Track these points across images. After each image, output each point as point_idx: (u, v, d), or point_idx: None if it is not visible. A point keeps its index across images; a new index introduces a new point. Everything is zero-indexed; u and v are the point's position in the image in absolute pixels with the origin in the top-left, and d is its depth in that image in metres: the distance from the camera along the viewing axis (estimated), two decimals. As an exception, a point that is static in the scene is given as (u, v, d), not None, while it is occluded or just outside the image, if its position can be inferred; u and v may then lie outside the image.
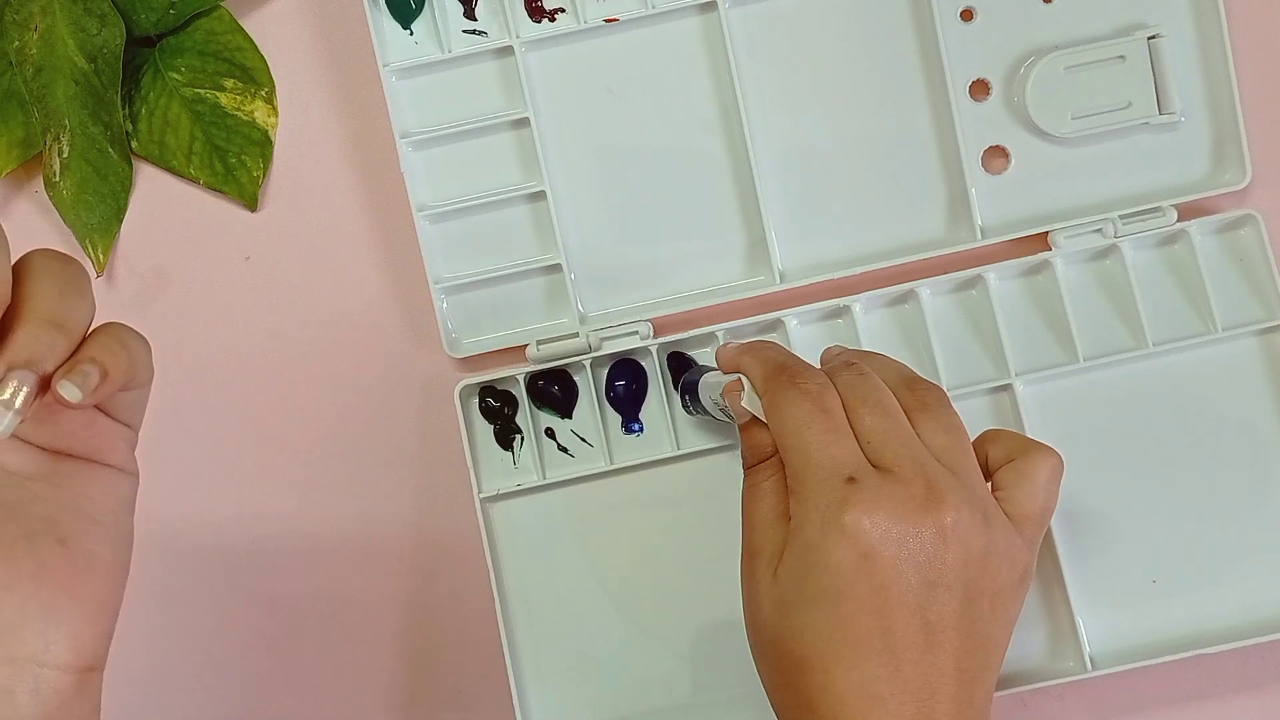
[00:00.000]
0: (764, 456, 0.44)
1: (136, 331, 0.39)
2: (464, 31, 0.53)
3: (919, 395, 0.44)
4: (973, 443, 0.44)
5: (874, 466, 0.41)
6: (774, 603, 0.42)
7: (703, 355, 0.54)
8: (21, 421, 0.34)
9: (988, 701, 0.42)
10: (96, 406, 0.38)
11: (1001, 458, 0.44)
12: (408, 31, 0.53)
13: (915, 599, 0.40)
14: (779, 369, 0.44)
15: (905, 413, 0.43)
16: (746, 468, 0.45)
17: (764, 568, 0.43)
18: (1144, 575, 0.52)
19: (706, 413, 0.50)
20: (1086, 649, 0.51)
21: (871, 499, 0.40)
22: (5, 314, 0.35)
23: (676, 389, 0.53)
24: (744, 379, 0.45)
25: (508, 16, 0.52)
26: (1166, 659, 0.51)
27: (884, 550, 0.40)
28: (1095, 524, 0.53)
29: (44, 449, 0.38)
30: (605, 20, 0.53)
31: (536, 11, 0.53)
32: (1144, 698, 0.53)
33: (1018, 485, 0.44)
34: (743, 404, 0.45)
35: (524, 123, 0.53)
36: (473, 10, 0.53)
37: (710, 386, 0.48)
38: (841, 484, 0.41)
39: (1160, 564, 0.52)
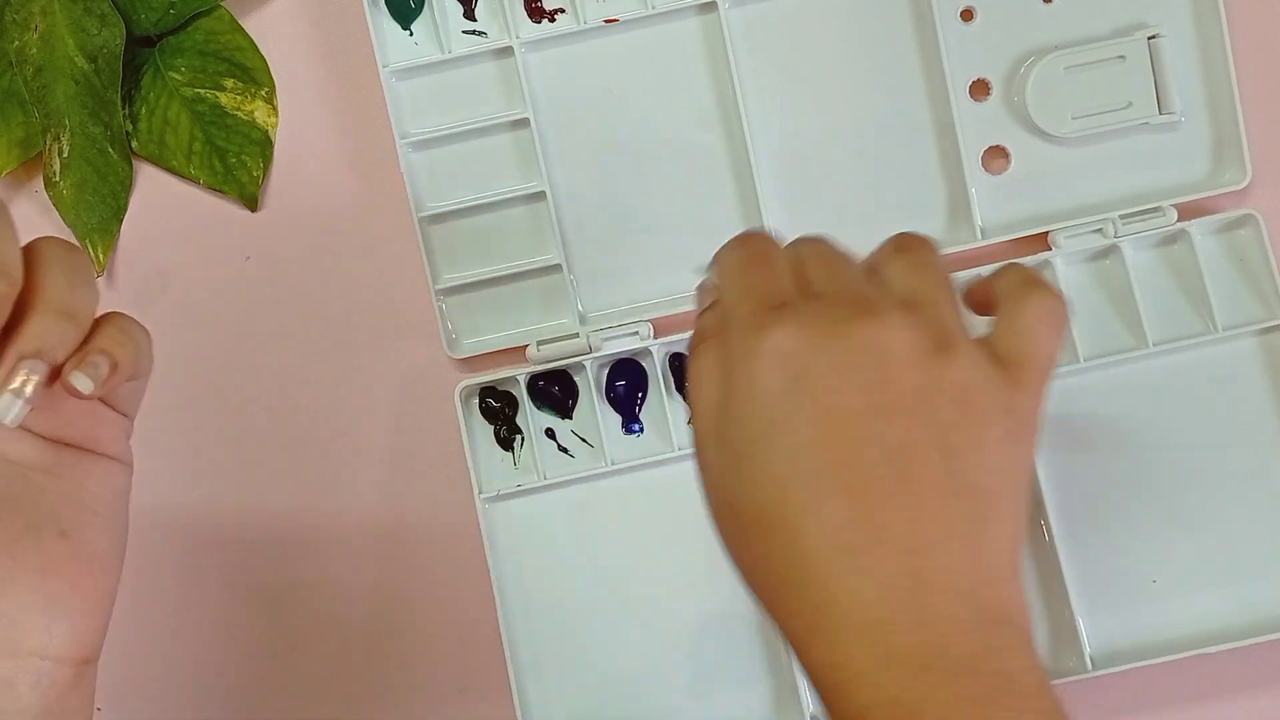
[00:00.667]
0: (706, 336, 0.39)
1: (138, 322, 0.39)
2: (464, 32, 0.53)
3: (896, 241, 0.40)
4: (985, 279, 0.40)
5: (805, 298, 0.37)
6: (723, 466, 0.37)
7: (703, 355, 0.54)
8: (30, 411, 0.34)
9: (1007, 569, 0.35)
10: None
11: (1000, 294, 0.39)
12: (407, 32, 0.53)
13: (867, 424, 0.35)
14: (733, 239, 0.40)
15: (874, 266, 0.39)
16: (695, 343, 0.39)
17: (711, 438, 0.37)
18: (1144, 575, 0.52)
19: None
20: (1086, 649, 0.51)
21: (796, 319, 0.35)
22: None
23: (679, 390, 0.53)
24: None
25: (507, 17, 0.52)
26: (1167, 659, 0.51)
27: (815, 366, 0.35)
28: (1095, 524, 0.53)
29: (46, 439, 0.38)
30: (605, 21, 0.53)
31: (536, 12, 0.53)
32: (1144, 697, 0.53)
33: (1004, 322, 0.38)
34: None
35: (524, 123, 0.53)
36: (472, 11, 0.53)
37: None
38: (767, 310, 0.36)
39: (1160, 564, 0.52)
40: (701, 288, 0.42)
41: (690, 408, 0.39)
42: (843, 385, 0.35)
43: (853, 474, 0.34)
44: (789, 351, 0.35)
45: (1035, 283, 0.39)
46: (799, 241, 0.40)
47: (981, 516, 0.35)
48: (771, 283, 0.37)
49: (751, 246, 0.39)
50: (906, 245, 0.39)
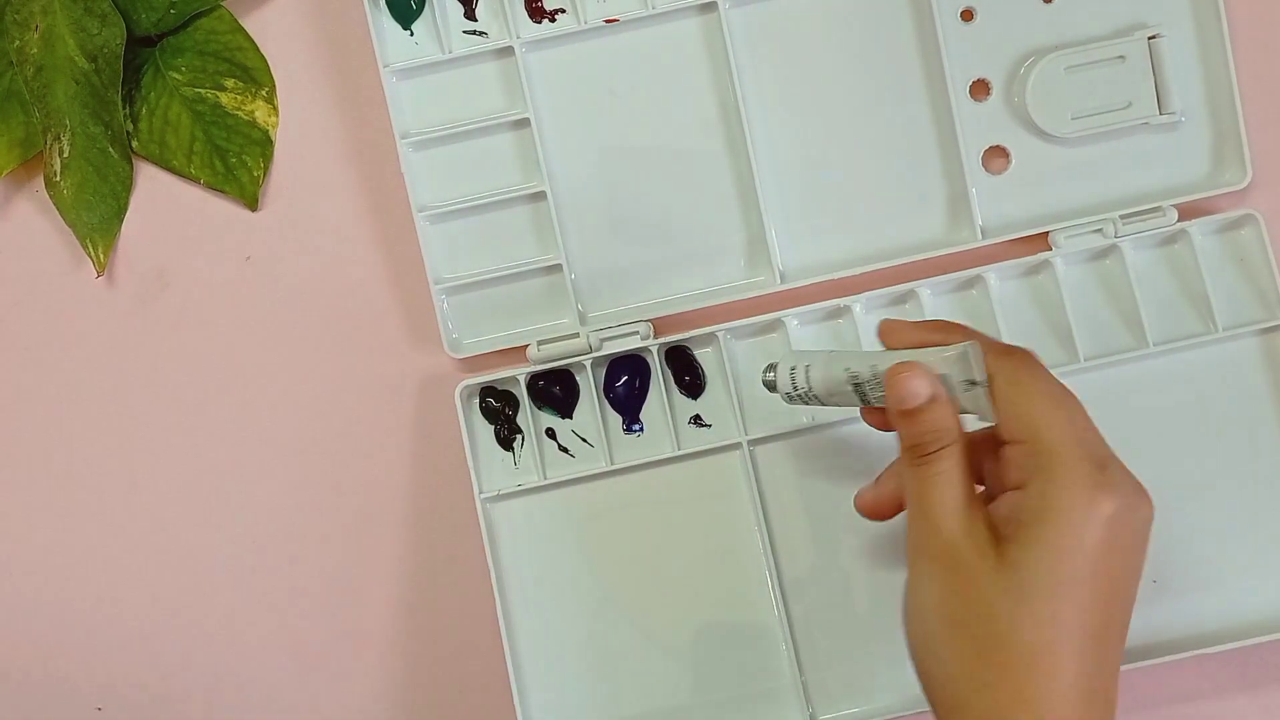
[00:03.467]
0: (948, 441, 0.42)
1: None
2: (464, 32, 0.53)
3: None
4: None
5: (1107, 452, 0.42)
6: (1004, 590, 0.40)
7: (704, 356, 0.54)
8: None
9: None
10: None
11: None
12: (408, 32, 0.53)
13: (1131, 592, 0.41)
14: (997, 344, 0.43)
15: None
16: (922, 454, 0.42)
17: (975, 556, 0.40)
18: (1145, 575, 0.52)
19: (808, 396, 0.46)
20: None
21: (1120, 487, 0.40)
22: None
23: (678, 385, 0.53)
24: (918, 361, 0.42)
25: (508, 17, 0.52)
26: (1167, 659, 0.51)
27: (1123, 541, 0.40)
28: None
29: None
30: (606, 21, 0.53)
31: (537, 12, 0.53)
32: (1144, 697, 0.54)
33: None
34: (937, 386, 0.42)
35: (524, 123, 0.53)
36: (473, 11, 0.53)
37: (849, 359, 0.44)
38: (1099, 470, 0.40)
39: (1160, 564, 0.52)
40: (905, 380, 0.42)
41: (921, 509, 0.42)
42: (1137, 558, 0.41)
43: (1111, 632, 0.40)
44: (1113, 520, 0.39)
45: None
46: (1042, 373, 0.43)
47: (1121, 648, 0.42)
48: (1090, 429, 0.41)
49: (1049, 377, 0.42)
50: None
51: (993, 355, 0.42)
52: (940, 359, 0.42)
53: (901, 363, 0.42)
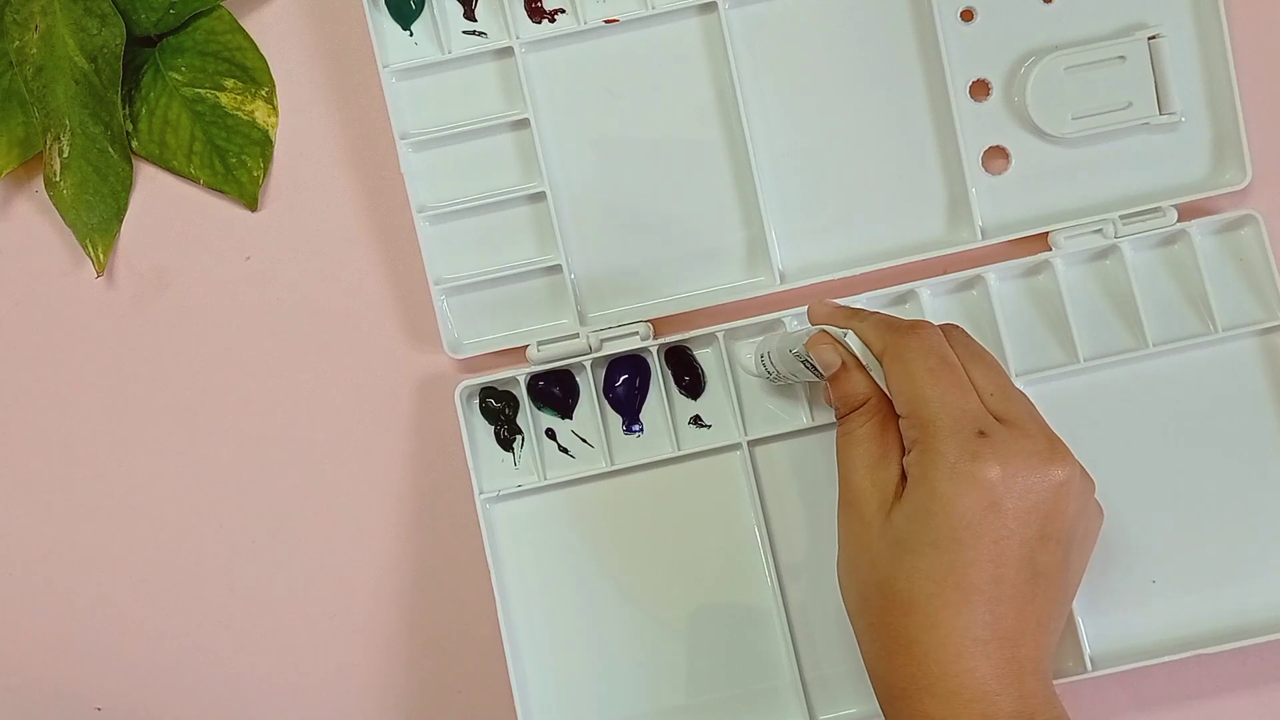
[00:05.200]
0: (857, 404, 0.45)
1: None
2: (464, 32, 0.53)
3: (968, 345, 0.46)
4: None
5: (996, 418, 0.43)
6: (887, 543, 0.43)
7: (703, 356, 0.54)
8: None
9: (1057, 643, 0.44)
10: None
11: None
12: (408, 32, 0.53)
13: (1030, 550, 0.42)
14: (893, 322, 0.45)
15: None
16: (840, 416, 0.46)
17: (873, 509, 0.44)
18: (1144, 575, 0.52)
19: (780, 375, 0.51)
20: (1086, 649, 0.51)
21: (1003, 452, 0.42)
22: None
23: (678, 386, 0.53)
24: (829, 331, 0.46)
25: (508, 17, 0.52)
26: (1166, 659, 0.51)
27: (1010, 502, 0.42)
28: (1095, 524, 0.53)
29: None
30: (605, 21, 0.53)
31: (536, 12, 0.53)
32: (1144, 697, 0.54)
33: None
34: (843, 354, 0.46)
35: (524, 123, 0.53)
36: (472, 11, 0.53)
37: (795, 339, 0.48)
38: (973, 436, 0.42)
39: (1160, 564, 0.52)
40: (819, 305, 0.48)
41: (840, 465, 0.46)
42: (1025, 518, 0.42)
43: (1002, 588, 0.42)
44: (990, 483, 0.42)
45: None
46: (949, 337, 0.46)
47: (1061, 611, 0.44)
48: (967, 400, 0.43)
49: (936, 351, 0.44)
50: (980, 355, 0.46)
51: (886, 331, 0.45)
52: (837, 334, 0.47)
53: (817, 333, 0.47)
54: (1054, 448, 0.43)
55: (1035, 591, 0.42)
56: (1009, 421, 0.43)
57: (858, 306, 0.49)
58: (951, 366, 0.44)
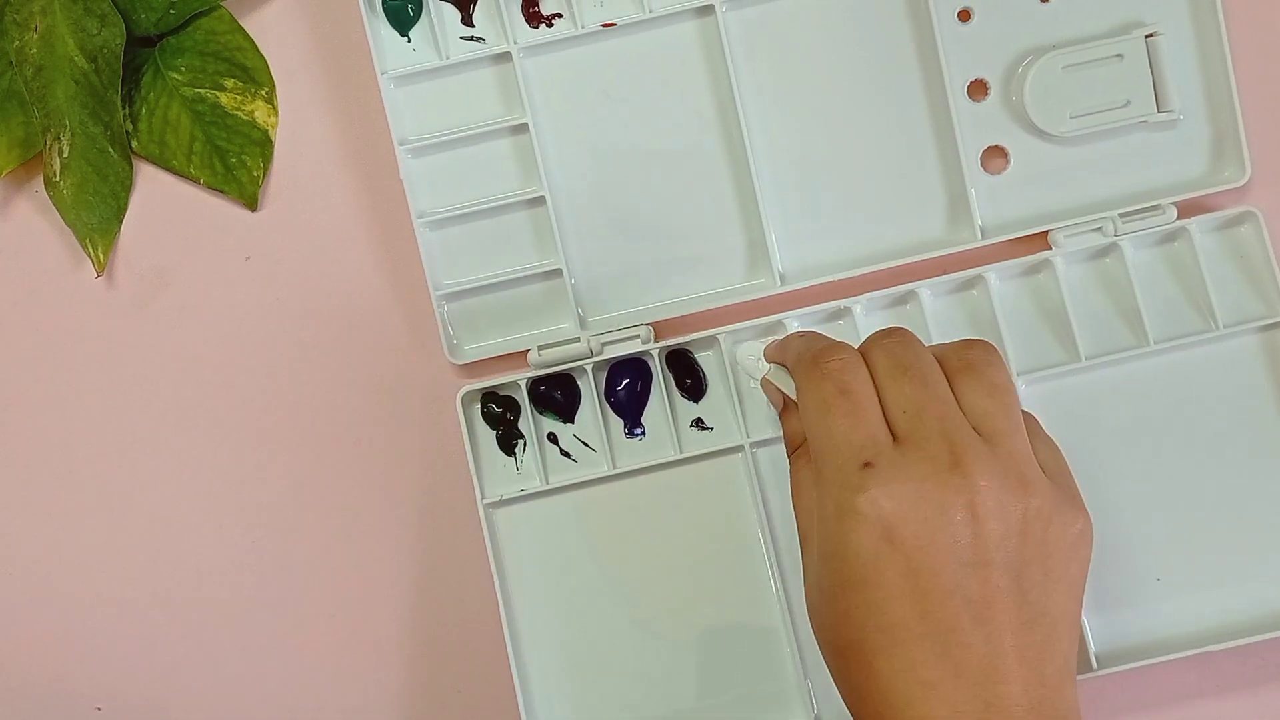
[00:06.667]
0: (798, 444, 0.44)
1: None
2: (462, 38, 0.53)
3: (963, 354, 0.42)
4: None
5: (897, 440, 0.40)
6: (816, 589, 0.41)
7: (704, 358, 0.54)
8: None
9: (1065, 675, 0.39)
10: None
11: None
12: (406, 39, 0.53)
13: (950, 580, 0.38)
14: (807, 354, 0.43)
15: (948, 376, 0.42)
16: (788, 456, 0.45)
17: (810, 554, 0.42)
18: (1148, 574, 0.52)
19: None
20: (1091, 647, 0.51)
21: (888, 480, 0.39)
22: None
23: (679, 389, 0.54)
24: (778, 367, 0.46)
25: (505, 23, 0.52)
26: (1171, 657, 0.51)
27: (906, 531, 0.38)
28: (1098, 523, 0.52)
29: None
30: (603, 25, 0.53)
31: (534, 17, 0.53)
32: (1148, 696, 0.53)
33: (1035, 440, 0.42)
34: (782, 395, 0.46)
35: (523, 128, 0.53)
36: (470, 17, 0.53)
37: (747, 365, 0.49)
38: (857, 470, 0.39)
39: (1164, 562, 0.52)
40: (769, 346, 0.48)
41: (796, 514, 0.44)
42: (929, 544, 0.38)
43: (933, 623, 0.38)
44: (877, 516, 0.39)
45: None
46: (878, 347, 0.42)
47: (1049, 638, 0.39)
48: (859, 430, 0.40)
49: (830, 378, 0.41)
50: (975, 363, 0.42)
51: (797, 367, 0.43)
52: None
53: (764, 378, 0.47)
54: (955, 465, 0.39)
55: (983, 621, 0.38)
56: (908, 440, 0.40)
57: (792, 334, 0.48)
58: (846, 394, 0.41)
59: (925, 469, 0.39)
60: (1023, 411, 0.43)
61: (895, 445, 0.40)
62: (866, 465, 0.39)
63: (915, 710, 0.38)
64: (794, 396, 0.45)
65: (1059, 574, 0.40)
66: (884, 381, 0.41)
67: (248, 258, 0.55)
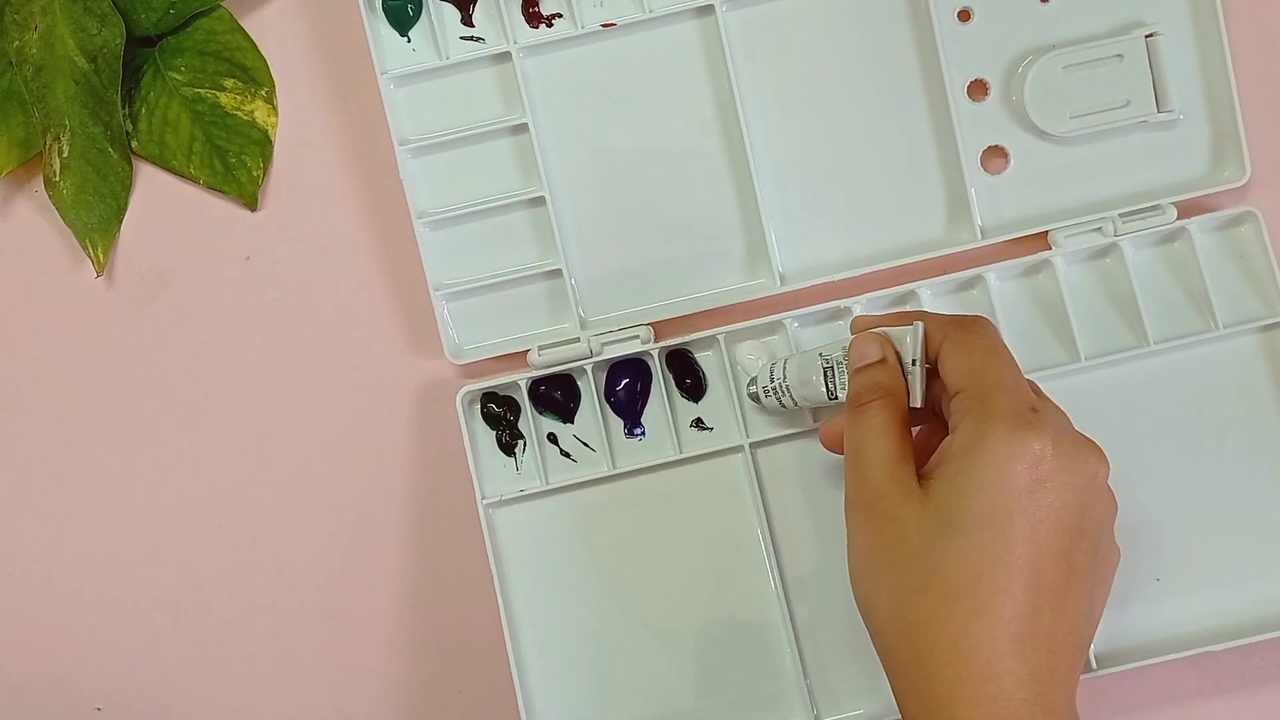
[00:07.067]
0: (881, 395, 0.44)
1: None
2: (461, 38, 0.53)
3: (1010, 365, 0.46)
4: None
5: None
6: (927, 528, 0.41)
7: (704, 358, 0.54)
8: None
9: (1081, 668, 0.42)
10: None
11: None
12: (406, 39, 0.53)
13: (1066, 542, 0.41)
14: (954, 316, 0.46)
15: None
16: (859, 404, 0.45)
17: (898, 502, 0.42)
18: (1148, 574, 0.52)
19: (785, 394, 0.50)
20: (1091, 648, 0.51)
21: (1052, 431, 0.41)
22: None
23: (679, 389, 0.53)
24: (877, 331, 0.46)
25: (505, 23, 0.52)
26: (1171, 657, 0.51)
27: (1054, 482, 0.41)
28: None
29: None
30: (603, 25, 0.53)
31: (534, 17, 0.53)
32: (1148, 696, 0.53)
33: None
34: (886, 348, 0.46)
35: (523, 128, 0.53)
36: (470, 17, 0.53)
37: (833, 346, 0.48)
38: (1028, 410, 0.42)
39: (1164, 562, 0.52)
40: (861, 341, 0.46)
41: (856, 459, 0.44)
42: (1068, 502, 0.41)
43: (1043, 578, 0.40)
44: (1039, 457, 0.41)
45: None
46: (989, 333, 0.45)
47: (1090, 631, 0.43)
48: (1020, 381, 0.43)
49: (995, 337, 0.45)
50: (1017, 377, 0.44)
51: (945, 324, 0.45)
52: (895, 334, 0.46)
53: (863, 333, 0.46)
54: (1091, 443, 0.42)
55: (1070, 592, 0.41)
56: (1049, 410, 0.44)
57: (903, 311, 0.50)
58: (1007, 352, 0.44)
59: (1073, 435, 0.42)
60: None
61: (1048, 413, 0.43)
62: (1034, 410, 0.42)
63: (1003, 662, 0.39)
64: (909, 352, 0.45)
65: (1108, 576, 0.45)
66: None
67: (248, 258, 0.55)
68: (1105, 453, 0.43)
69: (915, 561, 0.41)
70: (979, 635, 0.40)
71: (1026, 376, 0.45)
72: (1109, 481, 0.44)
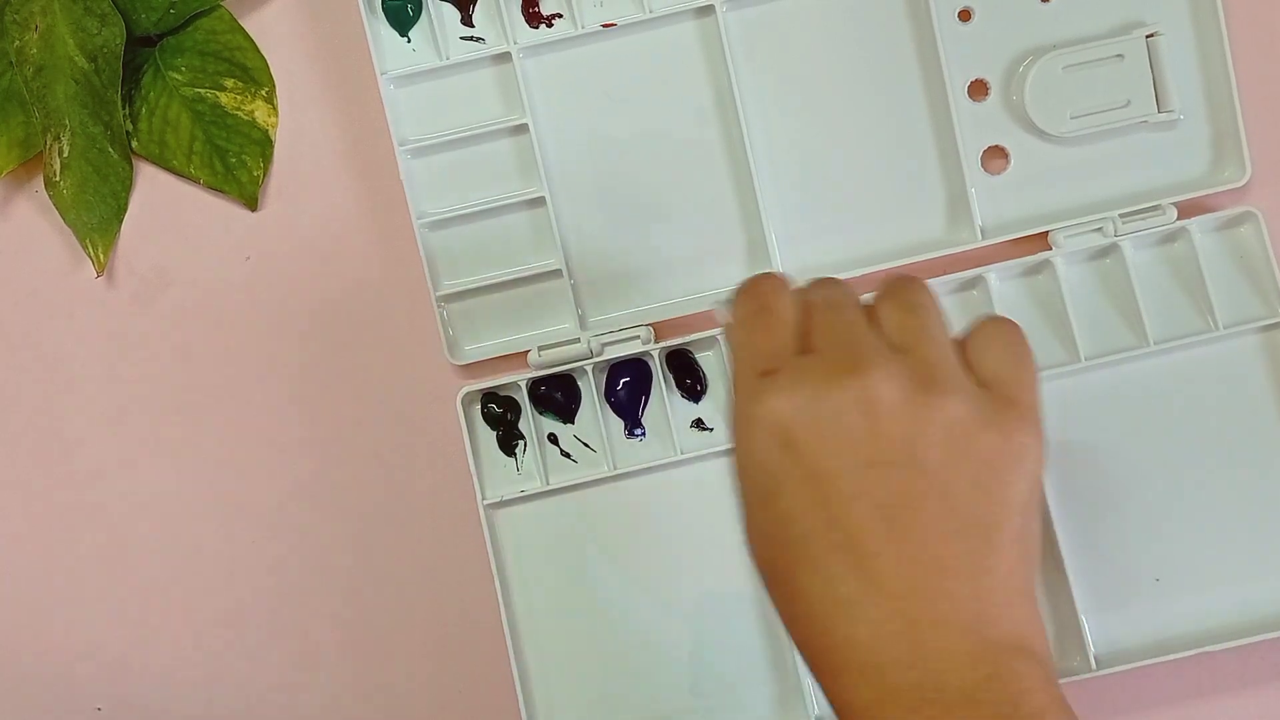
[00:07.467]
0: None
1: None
2: (461, 38, 0.53)
3: (886, 282, 0.41)
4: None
5: (802, 354, 0.38)
6: (742, 520, 0.39)
7: (704, 358, 0.54)
8: None
9: (1014, 592, 0.36)
10: None
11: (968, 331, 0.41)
12: (406, 39, 0.53)
13: (852, 483, 0.36)
14: (746, 280, 0.42)
15: (871, 311, 0.40)
16: None
17: (734, 484, 0.40)
18: (1148, 574, 0.52)
19: None
20: (1090, 648, 0.51)
21: (786, 384, 0.37)
22: None
23: (679, 389, 0.54)
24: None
25: (505, 23, 0.52)
26: (1171, 657, 0.51)
27: (804, 434, 0.36)
28: (1098, 523, 0.53)
29: None
30: (603, 25, 0.53)
31: (534, 17, 0.53)
32: (1148, 696, 0.53)
33: (976, 352, 0.39)
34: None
35: (523, 129, 0.53)
36: (470, 17, 0.53)
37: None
38: (756, 378, 0.38)
39: (1164, 562, 0.52)
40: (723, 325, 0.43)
41: None
42: (829, 446, 0.36)
43: (842, 531, 0.36)
44: (776, 420, 0.37)
45: (988, 315, 0.41)
46: (811, 285, 0.41)
47: (981, 550, 0.36)
48: (769, 341, 0.39)
49: (756, 297, 0.40)
50: (895, 288, 0.41)
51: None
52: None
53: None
54: (855, 365, 0.36)
55: (898, 529, 0.35)
56: (815, 352, 0.38)
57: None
58: (766, 311, 0.39)
59: (821, 373, 0.37)
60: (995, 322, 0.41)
61: (799, 356, 0.38)
62: (766, 373, 0.38)
63: (837, 631, 0.36)
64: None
65: (991, 485, 0.37)
66: (811, 311, 0.40)
67: (248, 258, 0.55)
68: (875, 360, 0.37)
69: (750, 549, 0.39)
70: (802, 612, 0.37)
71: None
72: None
